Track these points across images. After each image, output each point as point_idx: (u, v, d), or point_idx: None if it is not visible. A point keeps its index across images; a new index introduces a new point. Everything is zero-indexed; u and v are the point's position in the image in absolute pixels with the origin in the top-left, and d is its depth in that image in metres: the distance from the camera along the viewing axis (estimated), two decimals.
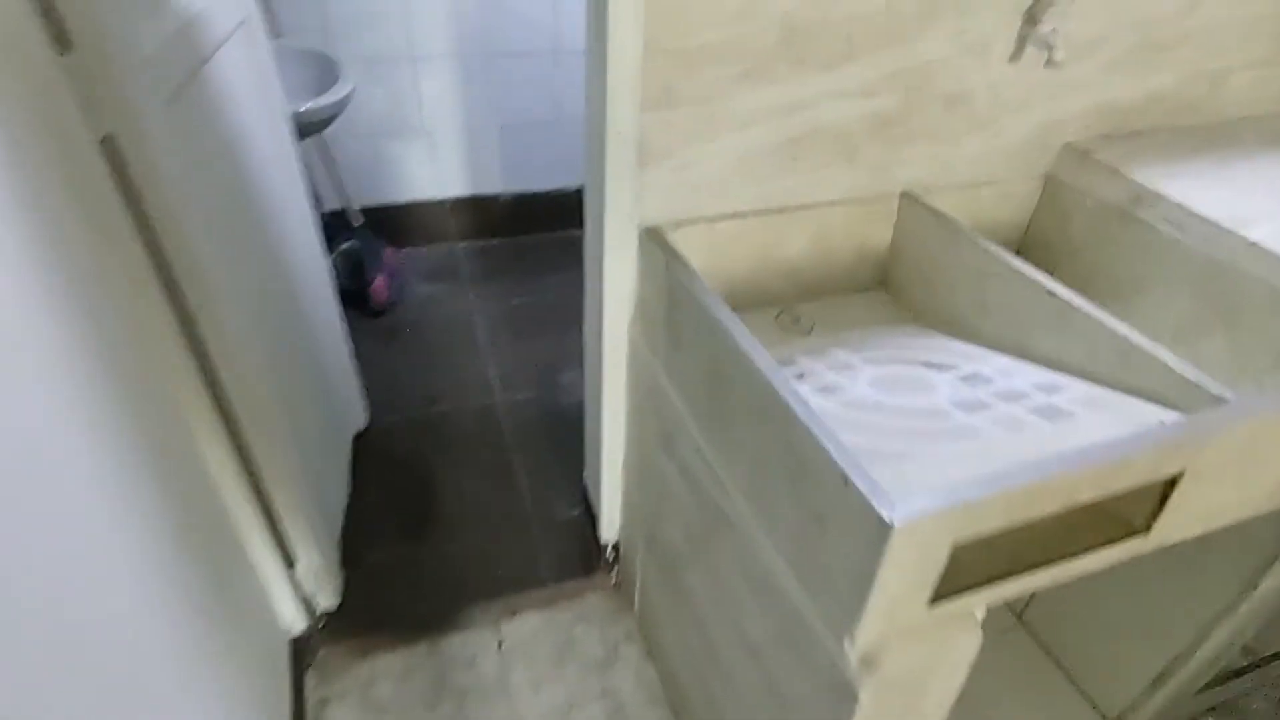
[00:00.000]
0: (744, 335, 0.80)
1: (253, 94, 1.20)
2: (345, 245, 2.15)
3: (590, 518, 1.56)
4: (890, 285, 1.20)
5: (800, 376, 0.93)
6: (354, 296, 2.11)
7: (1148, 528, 0.76)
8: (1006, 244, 1.23)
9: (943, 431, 0.77)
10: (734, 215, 1.05)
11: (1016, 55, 1.05)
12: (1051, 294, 0.89)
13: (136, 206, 0.84)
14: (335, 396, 1.60)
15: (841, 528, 0.65)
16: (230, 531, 1.11)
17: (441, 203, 2.35)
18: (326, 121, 1.48)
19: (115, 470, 0.72)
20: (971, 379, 0.89)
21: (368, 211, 2.26)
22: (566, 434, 1.81)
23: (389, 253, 2.22)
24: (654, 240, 1.00)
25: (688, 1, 0.85)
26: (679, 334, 0.96)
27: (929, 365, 0.94)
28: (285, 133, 1.34)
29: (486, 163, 2.33)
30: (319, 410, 1.47)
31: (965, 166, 1.15)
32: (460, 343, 2.09)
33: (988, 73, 1.06)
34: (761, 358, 0.76)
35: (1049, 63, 0.98)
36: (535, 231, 2.53)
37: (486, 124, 2.25)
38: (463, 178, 2.34)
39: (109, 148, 0.79)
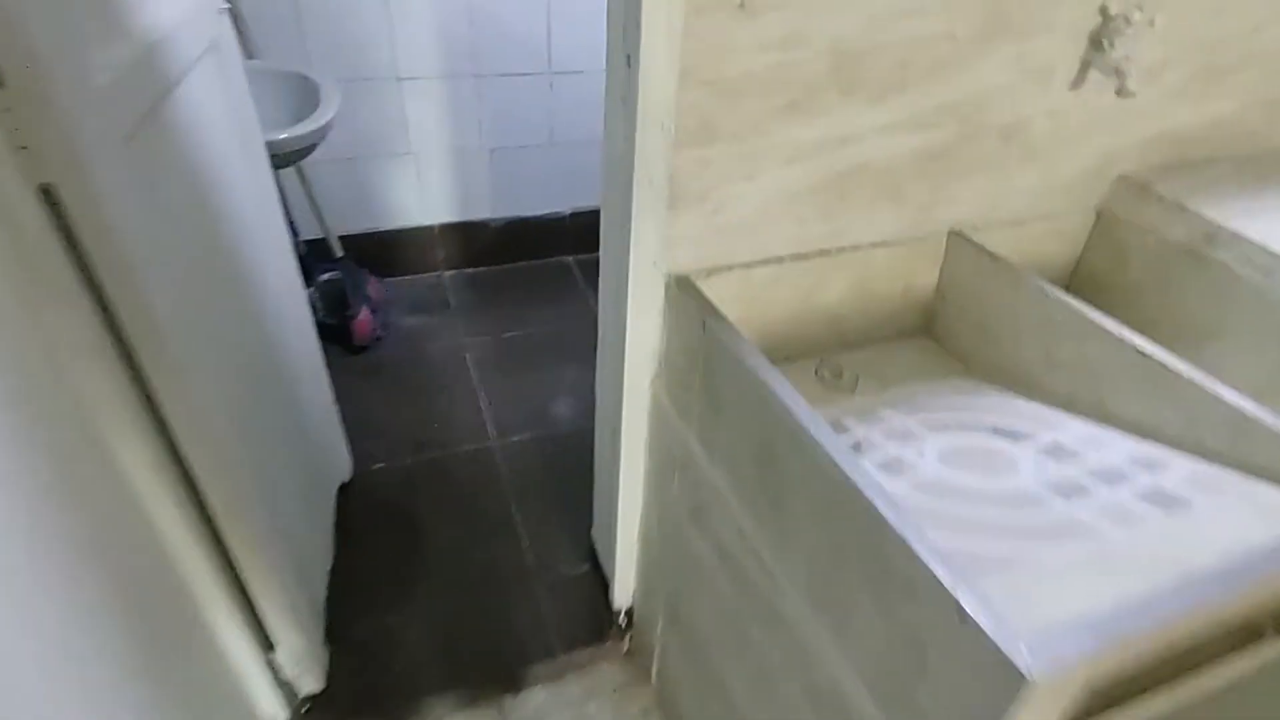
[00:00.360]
0: (804, 410, 0.68)
1: (224, 122, 1.07)
2: (326, 277, 2.01)
3: (600, 576, 1.44)
4: (936, 331, 1.09)
5: (858, 447, 0.82)
6: (336, 332, 1.98)
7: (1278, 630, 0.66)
8: (1055, 283, 1.13)
9: (1046, 528, 0.65)
10: (771, 260, 0.94)
11: (1078, 82, 0.96)
12: (1143, 354, 0.79)
13: (85, 262, 0.71)
14: (316, 448, 1.46)
15: (951, 665, 0.53)
16: (197, 617, 0.97)
17: (429, 229, 2.22)
18: (306, 150, 1.36)
19: (45, 558, 0.59)
20: (1055, 452, 0.78)
21: (350, 240, 2.13)
22: (569, 479, 1.69)
23: (373, 284, 2.08)
24: (685, 291, 0.89)
25: (730, 25, 0.74)
26: (717, 400, 0.84)
27: (999, 433, 0.83)
28: (261, 162, 1.21)
29: (476, 187, 2.21)
30: (299, 467, 1.33)
31: (1017, 202, 1.05)
32: (451, 380, 1.96)
33: (1047, 101, 0.96)
34: (827, 436, 0.65)
35: (1121, 92, 0.89)
36: (527, 258, 2.41)
37: (476, 147, 2.13)
38: (451, 203, 2.22)
39: (50, 198, 0.66)
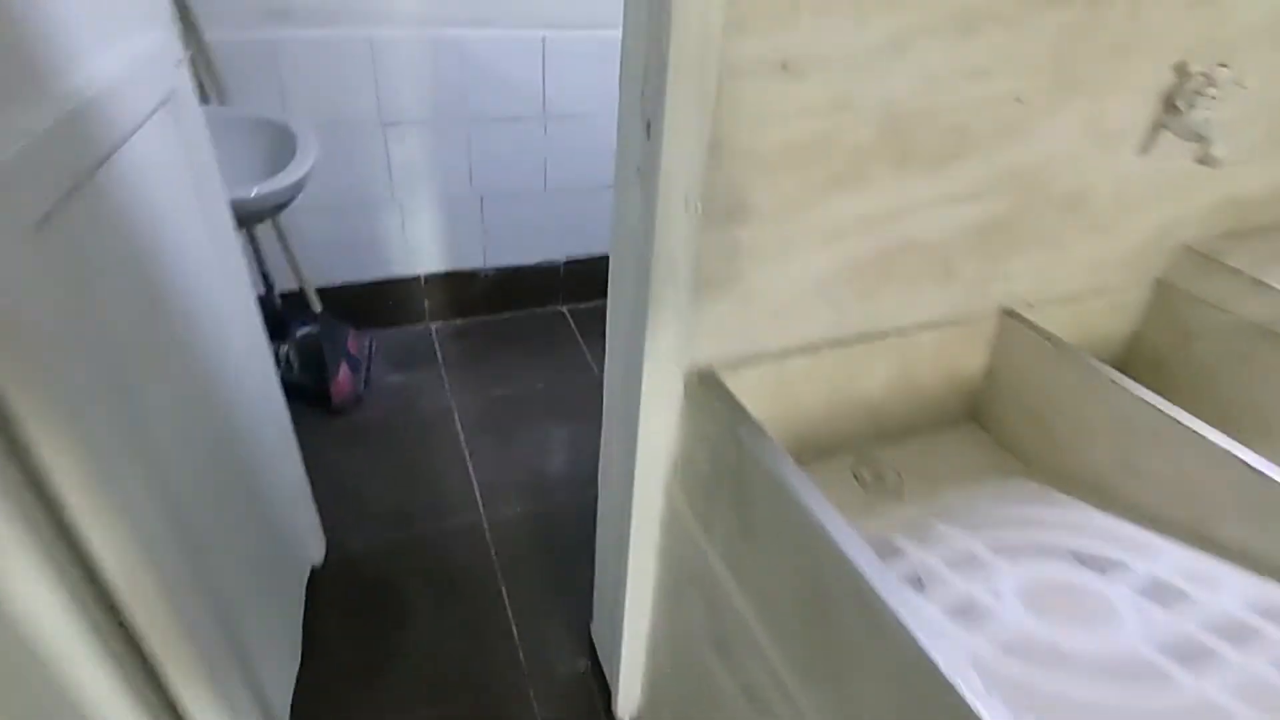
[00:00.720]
0: (869, 561, 0.55)
1: (179, 184, 0.94)
2: (303, 333, 1.88)
3: (600, 677, 1.29)
4: (984, 419, 0.97)
5: (919, 583, 0.69)
6: (313, 392, 1.84)
7: None
8: (1110, 361, 1.02)
9: (1174, 713, 0.52)
10: (806, 349, 0.81)
11: (1148, 146, 0.85)
12: (1252, 469, 0.67)
13: None
14: (283, 534, 1.31)
15: None
16: None
17: (415, 280, 2.09)
18: (279, 206, 1.24)
19: None
20: (1156, 591, 0.65)
21: (330, 292, 2.00)
22: (566, 558, 1.55)
23: (354, 339, 1.95)
24: (709, 389, 0.76)
25: (771, 89, 0.62)
26: (750, 523, 0.71)
27: (1083, 560, 0.70)
28: (223, 223, 1.08)
29: (466, 236, 2.09)
30: (260, 560, 1.18)
31: (1074, 276, 0.93)
32: (437, 444, 1.82)
33: (1115, 167, 0.85)
34: (898, 598, 0.52)
35: (1206, 160, 0.78)
36: (519, 308, 2.28)
37: (466, 194, 2.02)
38: (439, 252, 2.09)
39: None
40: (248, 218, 1.24)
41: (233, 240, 1.10)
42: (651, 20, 0.59)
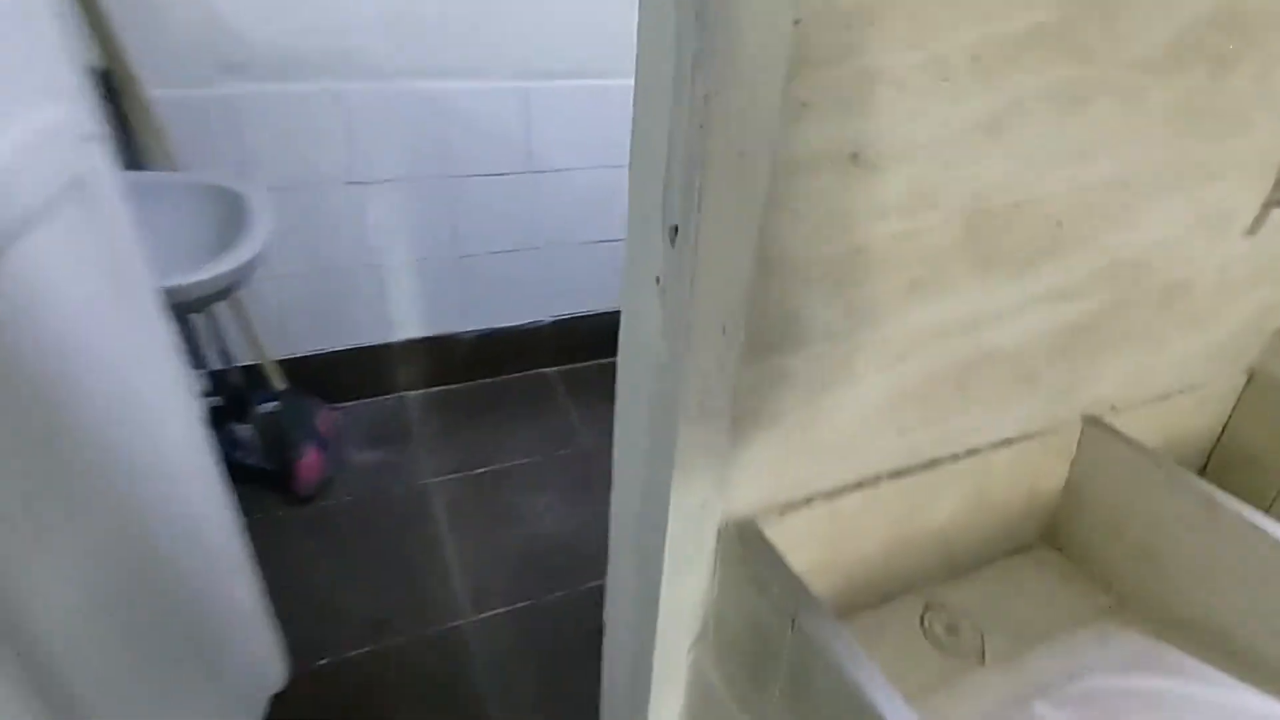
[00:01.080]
0: None
1: (89, 278, 0.78)
2: (266, 410, 1.70)
3: None
4: (1061, 539, 0.82)
5: None
6: (276, 478, 1.66)
7: None
8: (1193, 460, 0.88)
9: None
10: (865, 482, 0.66)
11: (1257, 226, 0.71)
12: None
13: None
14: (233, 667, 1.13)
15: None
16: None
17: (388, 347, 1.93)
18: (224, 292, 1.07)
19: None
20: None
21: (295, 363, 1.83)
22: (561, 666, 1.37)
23: (323, 415, 1.77)
24: (750, 548, 0.60)
25: (838, 187, 0.48)
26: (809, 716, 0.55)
27: None
28: (150, 315, 0.91)
29: (445, 298, 1.93)
30: (205, 697, 1.00)
31: (1165, 373, 0.79)
32: (415, 534, 1.64)
33: (1221, 252, 0.71)
34: None
35: None
36: (502, 372, 2.12)
37: (446, 254, 1.87)
38: (416, 316, 1.93)
39: None
40: (188, 307, 1.07)
41: (162, 334, 0.93)
42: (684, 104, 0.44)
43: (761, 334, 0.52)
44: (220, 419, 1.69)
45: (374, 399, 1.98)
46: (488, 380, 2.10)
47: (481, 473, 1.80)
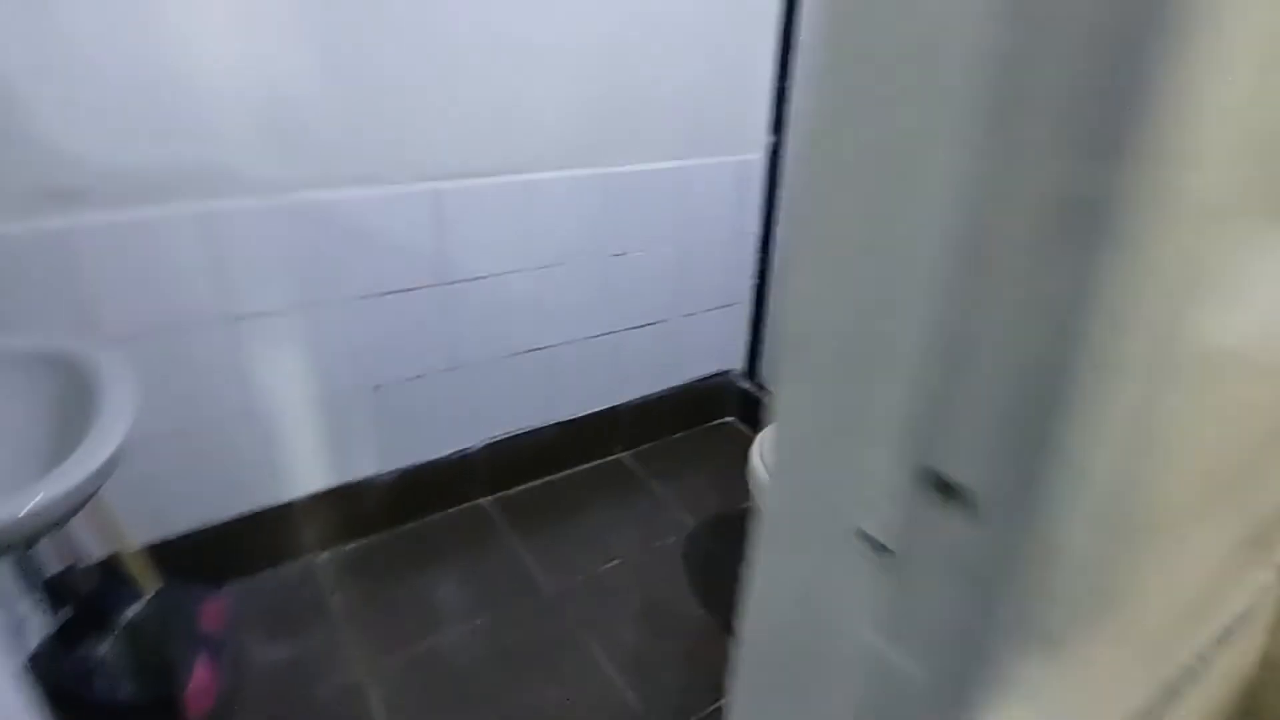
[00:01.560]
0: None
1: None
2: (132, 616, 1.32)
3: None
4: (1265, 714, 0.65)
5: None
6: (155, 707, 1.27)
7: None
8: None
9: None
10: None
11: None
12: None
13: None
14: None
15: None
16: None
17: (288, 507, 1.59)
18: (64, 519, 0.75)
19: None
20: None
21: (169, 547, 1.45)
22: None
23: (210, 609, 1.40)
24: None
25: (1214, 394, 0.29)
26: None
27: None
28: None
29: (356, 438, 1.63)
30: None
31: None
32: None
33: None
34: None
35: None
36: (429, 512, 1.81)
37: (353, 387, 1.57)
38: (320, 465, 1.61)
39: None
40: (14, 545, 0.75)
41: None
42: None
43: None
44: (69, 639, 1.29)
45: (275, 569, 1.62)
46: (412, 524, 1.79)
47: (423, 650, 1.48)
